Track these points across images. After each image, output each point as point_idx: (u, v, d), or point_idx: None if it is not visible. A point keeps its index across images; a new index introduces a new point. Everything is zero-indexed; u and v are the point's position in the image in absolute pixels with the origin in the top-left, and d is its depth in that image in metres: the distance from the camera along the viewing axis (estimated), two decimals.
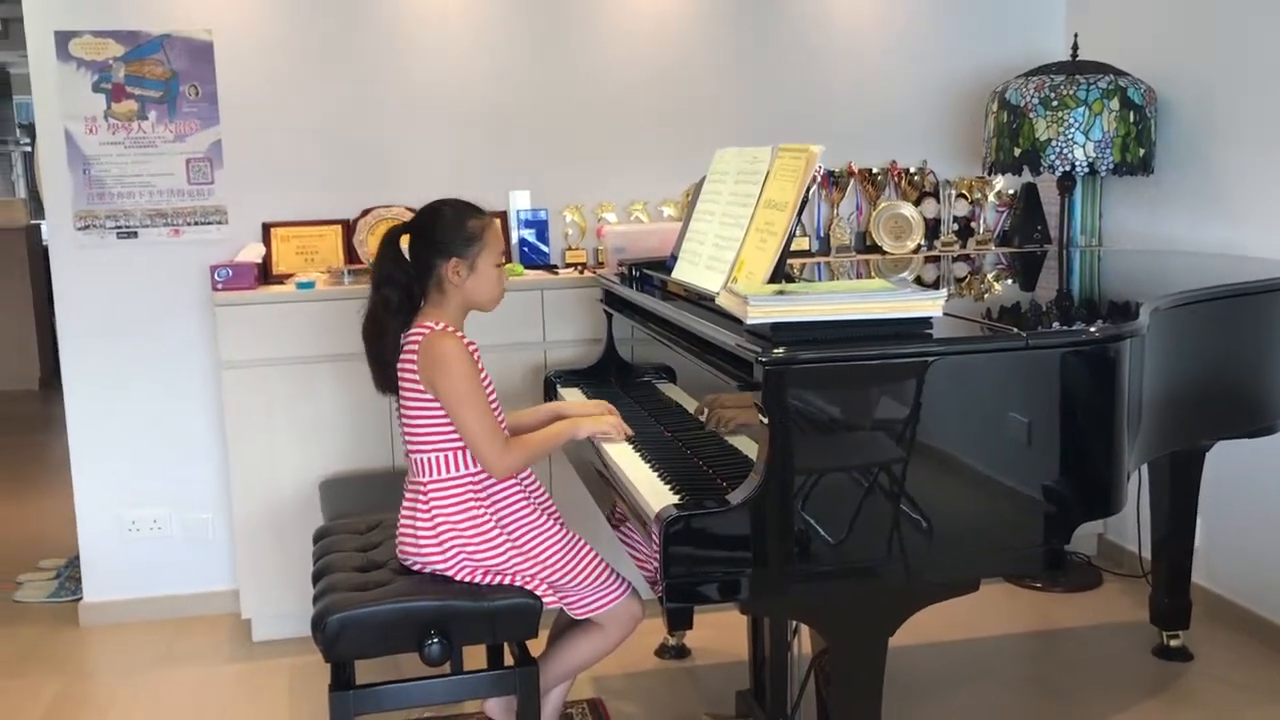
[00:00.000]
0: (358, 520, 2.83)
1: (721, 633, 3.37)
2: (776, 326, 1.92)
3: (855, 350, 1.90)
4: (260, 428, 3.43)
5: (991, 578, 2.08)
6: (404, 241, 2.43)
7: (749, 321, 1.93)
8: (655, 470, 2.25)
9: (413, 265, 2.42)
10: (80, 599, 3.75)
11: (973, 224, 4.16)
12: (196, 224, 3.67)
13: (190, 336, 3.69)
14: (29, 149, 10.13)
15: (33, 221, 7.72)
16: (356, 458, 3.48)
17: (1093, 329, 2.07)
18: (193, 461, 3.72)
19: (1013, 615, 3.61)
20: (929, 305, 1.95)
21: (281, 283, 3.60)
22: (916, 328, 1.95)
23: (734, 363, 2.02)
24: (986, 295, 2.91)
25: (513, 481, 2.43)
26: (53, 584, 4.01)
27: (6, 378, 7.48)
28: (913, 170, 4.12)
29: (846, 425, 1.91)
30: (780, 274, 2.25)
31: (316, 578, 2.54)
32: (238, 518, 3.47)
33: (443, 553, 2.37)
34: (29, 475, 5.54)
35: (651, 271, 2.89)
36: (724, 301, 2.07)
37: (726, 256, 2.44)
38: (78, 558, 3.77)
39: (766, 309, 1.91)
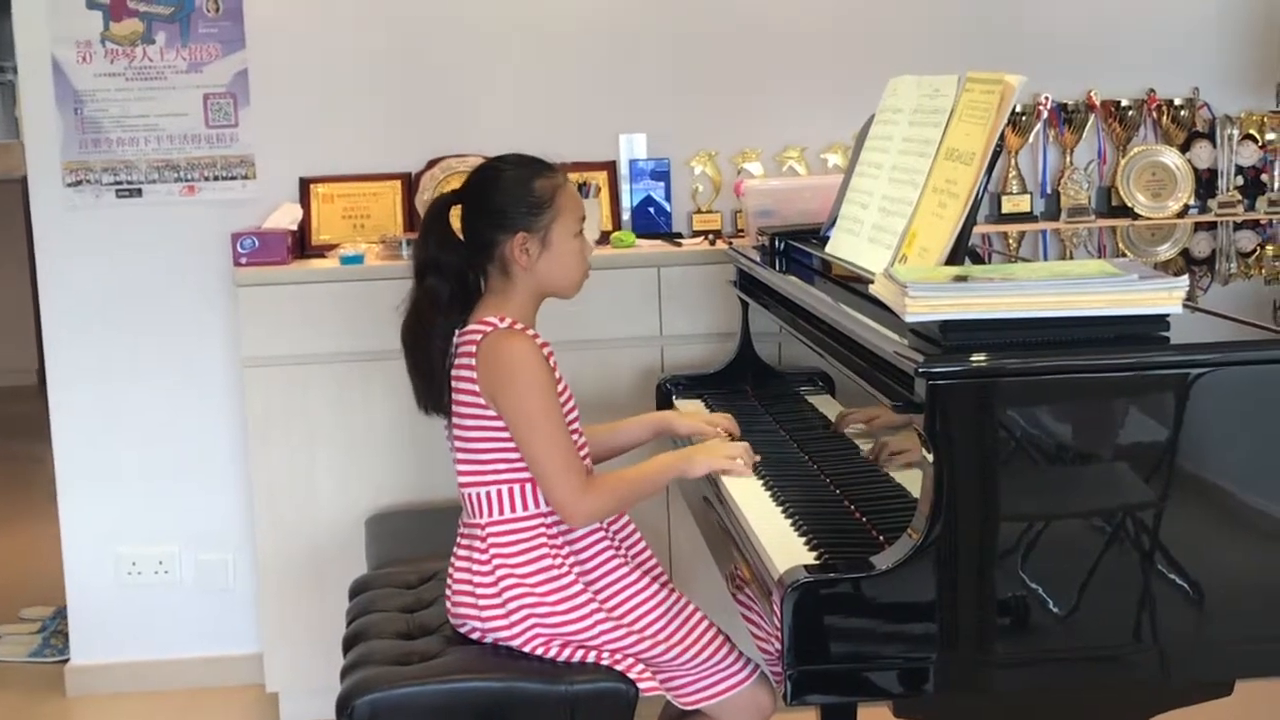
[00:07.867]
0: (408, 569, 2.90)
1: None
2: (948, 326, 1.92)
3: (1057, 359, 1.89)
4: (293, 444, 3.53)
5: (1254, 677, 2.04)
6: (454, 215, 2.47)
7: (908, 318, 1.93)
8: (789, 517, 2.26)
9: (467, 245, 2.47)
10: (67, 660, 3.92)
11: (1264, 177, 4.07)
12: (216, 179, 3.79)
13: (206, 325, 3.82)
14: None
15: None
16: (414, 486, 3.56)
17: None
18: (208, 487, 3.85)
19: None
20: (1163, 298, 1.92)
21: (323, 255, 3.71)
22: (1145, 328, 1.93)
23: (890, 374, 2.01)
24: None
25: (595, 524, 2.46)
26: (36, 639, 4.20)
27: None
28: (1178, 103, 4.03)
29: (1047, 464, 1.91)
30: (963, 250, 2.24)
31: (348, 645, 2.62)
32: (263, 560, 3.59)
33: (507, 615, 2.42)
34: (18, 498, 5.79)
35: (800, 244, 2.89)
36: (879, 289, 2.07)
37: (895, 225, 2.44)
38: (66, 607, 3.94)
39: (931, 301, 1.91)
